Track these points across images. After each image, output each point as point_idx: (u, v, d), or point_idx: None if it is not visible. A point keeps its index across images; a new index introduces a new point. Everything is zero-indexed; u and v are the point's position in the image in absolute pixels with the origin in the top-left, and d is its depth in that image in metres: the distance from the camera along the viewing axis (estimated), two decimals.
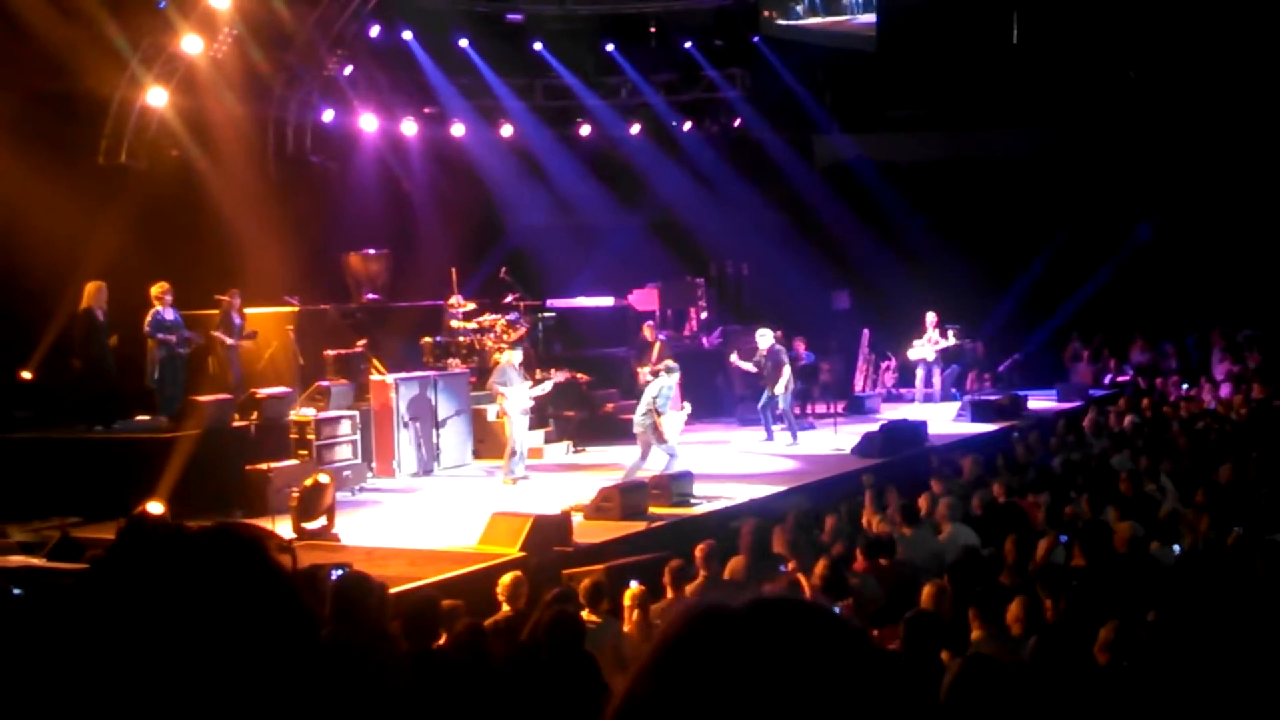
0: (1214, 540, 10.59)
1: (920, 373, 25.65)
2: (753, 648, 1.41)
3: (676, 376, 17.27)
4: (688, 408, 17.92)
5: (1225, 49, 27.51)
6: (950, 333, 25.17)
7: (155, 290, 16.90)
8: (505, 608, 9.06)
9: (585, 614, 8.48)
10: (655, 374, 17.94)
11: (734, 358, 21.46)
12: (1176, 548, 10.36)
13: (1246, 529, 10.74)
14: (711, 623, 1.45)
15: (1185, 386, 25.64)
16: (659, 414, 16.79)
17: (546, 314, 22.98)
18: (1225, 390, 24.65)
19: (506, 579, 9.23)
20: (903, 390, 26.30)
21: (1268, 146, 28.24)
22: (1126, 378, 27.26)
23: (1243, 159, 28.08)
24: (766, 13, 27.44)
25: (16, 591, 9.34)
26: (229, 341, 17.80)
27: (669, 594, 9.73)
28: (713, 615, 1.46)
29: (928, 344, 25.21)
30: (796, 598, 1.52)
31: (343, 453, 16.78)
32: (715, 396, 23.53)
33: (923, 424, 20.37)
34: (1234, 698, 6.33)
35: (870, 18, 27.72)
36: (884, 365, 26.87)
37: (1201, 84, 28.13)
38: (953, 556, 10.74)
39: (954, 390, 26.02)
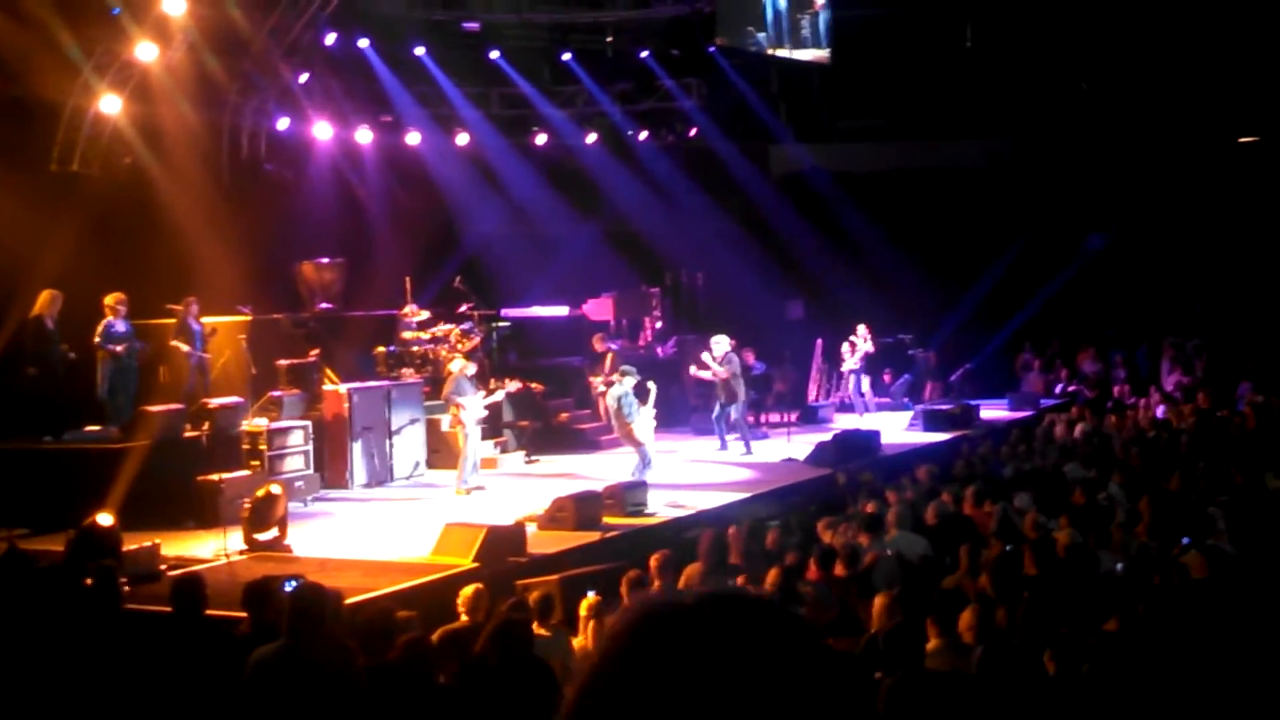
0: (1158, 549, 10.71)
1: (851, 381, 25.58)
2: (701, 642, 1.43)
3: (631, 381, 17.31)
4: (652, 388, 17.69)
5: (1175, 61, 27.84)
6: (868, 339, 25.01)
7: (109, 300, 16.72)
8: (464, 618, 9.00)
9: (535, 627, 8.45)
10: (608, 384, 18.00)
11: (692, 369, 21.48)
12: (1119, 566, 10.42)
13: (1194, 537, 10.87)
14: (661, 618, 1.47)
15: (1136, 399, 25.85)
16: (627, 420, 16.90)
17: (501, 323, 22.91)
18: (1178, 398, 24.89)
19: (468, 591, 9.14)
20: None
21: (1218, 158, 28.62)
22: (1077, 388, 27.52)
23: (1193, 170, 28.42)
24: (720, 40, 27.40)
25: None
26: (184, 349, 17.59)
27: (626, 604, 9.72)
28: (662, 611, 1.48)
29: (849, 354, 25.15)
30: (743, 592, 1.55)
31: (295, 463, 16.68)
32: (670, 406, 23.55)
33: (875, 433, 20.49)
34: (1179, 703, 6.41)
35: (825, 53, 27.94)
36: (836, 375, 26.91)
37: (1152, 96, 28.46)
38: (905, 566, 10.84)
39: (906, 399, 26.15)
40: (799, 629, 1.49)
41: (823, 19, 27.87)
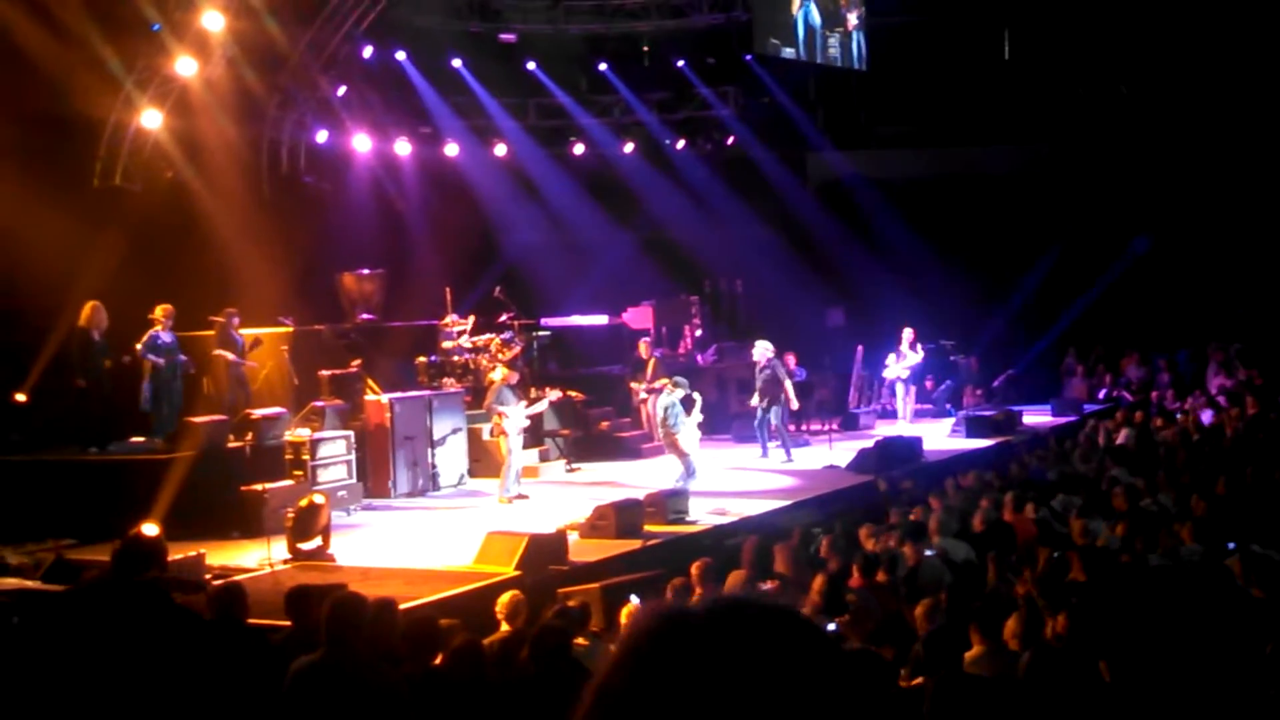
0: (1203, 553, 10.60)
1: (900, 389, 25.44)
2: (709, 649, 1.43)
3: (681, 393, 17.28)
4: (697, 399, 17.64)
5: (1215, 63, 27.62)
6: (918, 347, 24.89)
7: (158, 312, 16.90)
8: (504, 626, 9.00)
9: None
10: (651, 391, 17.96)
11: (753, 401, 21.33)
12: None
13: (1239, 542, 10.75)
14: (670, 626, 1.47)
15: (1179, 403, 25.64)
16: (672, 430, 16.90)
17: (541, 332, 22.97)
18: (1222, 402, 24.67)
19: (505, 598, 9.17)
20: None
21: (1259, 160, 28.34)
22: (1120, 393, 27.33)
23: (1235, 173, 28.16)
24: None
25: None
26: (231, 358, 17.75)
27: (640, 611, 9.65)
28: (671, 619, 1.49)
29: (897, 362, 24.99)
30: (752, 598, 1.55)
31: (338, 473, 16.73)
32: (710, 413, 23.49)
33: (917, 440, 20.39)
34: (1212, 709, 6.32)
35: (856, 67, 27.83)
36: (878, 382, 26.77)
37: (1193, 98, 28.23)
38: (950, 573, 10.78)
39: (948, 405, 26.00)
40: (810, 634, 1.49)
41: (855, 40, 27.78)
